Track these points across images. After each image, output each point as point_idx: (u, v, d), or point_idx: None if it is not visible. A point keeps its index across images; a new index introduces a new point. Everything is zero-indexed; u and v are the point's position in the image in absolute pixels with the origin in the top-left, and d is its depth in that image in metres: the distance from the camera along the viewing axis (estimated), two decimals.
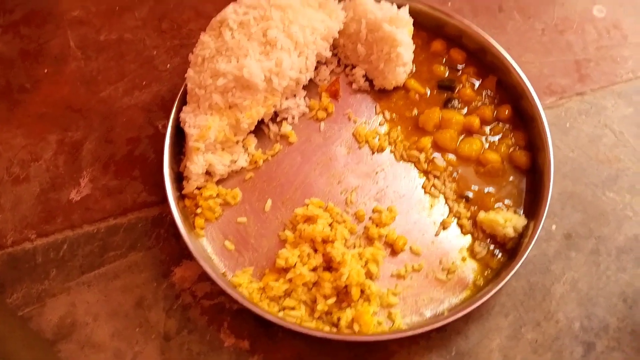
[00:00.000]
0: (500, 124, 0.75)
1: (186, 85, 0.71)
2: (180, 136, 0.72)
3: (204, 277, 0.67)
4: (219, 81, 0.68)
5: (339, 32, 0.76)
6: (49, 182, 0.74)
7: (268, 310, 0.63)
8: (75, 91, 0.80)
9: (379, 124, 0.77)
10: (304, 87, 0.77)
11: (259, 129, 0.76)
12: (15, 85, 0.81)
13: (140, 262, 0.68)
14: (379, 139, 0.76)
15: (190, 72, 0.70)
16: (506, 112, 0.75)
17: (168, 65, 0.82)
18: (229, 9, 0.71)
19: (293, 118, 0.77)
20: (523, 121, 0.75)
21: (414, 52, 0.78)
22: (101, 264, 0.68)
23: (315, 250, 0.67)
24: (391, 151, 0.75)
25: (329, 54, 0.77)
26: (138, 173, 0.75)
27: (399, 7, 0.77)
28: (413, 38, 0.79)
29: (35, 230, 0.71)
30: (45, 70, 0.82)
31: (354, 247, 0.69)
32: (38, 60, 0.82)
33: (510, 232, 0.67)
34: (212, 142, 0.69)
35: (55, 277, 0.68)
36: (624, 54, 0.84)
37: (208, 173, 0.72)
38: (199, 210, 0.70)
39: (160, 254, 0.69)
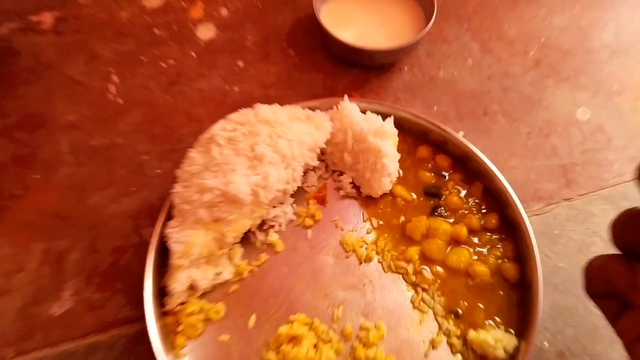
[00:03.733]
0: (488, 234, 0.75)
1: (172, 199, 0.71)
2: (164, 247, 0.71)
3: None
4: (206, 196, 0.68)
5: (327, 141, 0.78)
6: (32, 296, 0.73)
7: None
8: (64, 198, 0.80)
9: (366, 232, 0.77)
10: (292, 195, 0.78)
11: (245, 237, 0.75)
12: (5, 191, 0.81)
13: None
14: (366, 248, 0.75)
15: (177, 188, 0.71)
16: (493, 221, 0.75)
17: (158, 170, 0.83)
18: (218, 126, 0.72)
19: (280, 225, 0.77)
20: (511, 230, 0.75)
21: (401, 157, 0.79)
22: None
23: None
24: (379, 261, 0.74)
25: (316, 162, 0.78)
26: (121, 285, 0.74)
27: (384, 118, 0.78)
28: (400, 143, 0.80)
29: (13, 348, 0.69)
30: (36, 176, 0.82)
31: None
32: (29, 166, 0.83)
33: (501, 353, 0.65)
34: (196, 257, 0.68)
35: None
36: (609, 157, 0.85)
37: (191, 286, 0.71)
38: (180, 328, 0.68)
39: None
